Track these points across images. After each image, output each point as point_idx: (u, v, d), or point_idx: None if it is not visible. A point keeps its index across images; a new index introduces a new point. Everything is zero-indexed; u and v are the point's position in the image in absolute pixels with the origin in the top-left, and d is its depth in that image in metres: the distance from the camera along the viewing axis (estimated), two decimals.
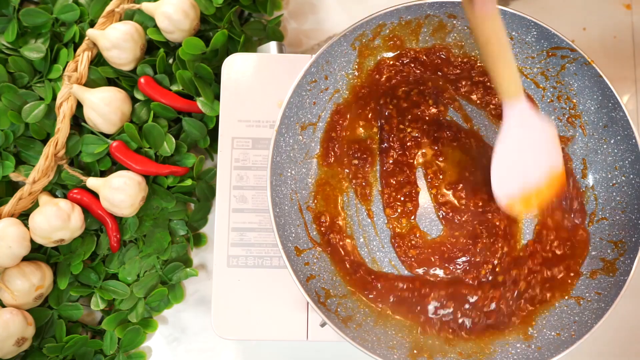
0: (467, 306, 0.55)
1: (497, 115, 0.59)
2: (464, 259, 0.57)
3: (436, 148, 0.58)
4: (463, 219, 0.57)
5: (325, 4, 0.69)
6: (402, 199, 0.58)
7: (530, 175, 0.53)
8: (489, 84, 0.58)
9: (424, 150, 0.58)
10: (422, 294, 0.56)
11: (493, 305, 0.55)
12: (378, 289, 0.56)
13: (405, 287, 0.56)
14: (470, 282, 0.56)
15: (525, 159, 0.53)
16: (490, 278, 0.56)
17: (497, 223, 0.57)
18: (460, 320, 0.55)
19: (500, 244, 0.57)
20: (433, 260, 0.57)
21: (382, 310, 0.55)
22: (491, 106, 0.59)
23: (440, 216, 0.58)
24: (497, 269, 0.56)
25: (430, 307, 0.55)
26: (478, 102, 0.59)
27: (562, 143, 0.58)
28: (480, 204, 0.57)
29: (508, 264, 0.56)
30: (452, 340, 0.54)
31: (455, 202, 0.57)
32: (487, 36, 0.47)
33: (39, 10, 0.62)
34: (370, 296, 0.55)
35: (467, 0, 0.46)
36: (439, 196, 0.58)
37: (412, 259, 0.57)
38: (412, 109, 0.58)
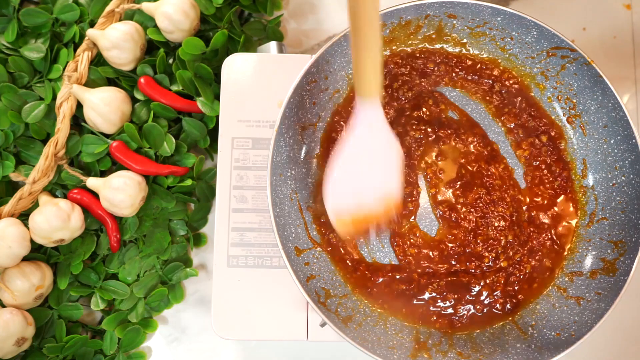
0: (468, 296, 0.56)
1: (498, 115, 0.59)
2: (463, 254, 0.57)
3: (436, 148, 0.58)
4: (461, 215, 0.57)
5: (325, 4, 0.69)
6: (403, 199, 0.58)
7: (365, 194, 0.48)
8: (488, 83, 0.59)
9: (422, 149, 0.58)
10: (421, 285, 0.56)
11: (497, 293, 0.56)
12: (378, 285, 0.56)
13: (404, 277, 0.56)
14: (472, 270, 0.56)
15: (363, 174, 0.47)
16: (492, 265, 0.56)
17: (502, 213, 0.57)
18: (461, 311, 0.55)
19: (504, 232, 0.57)
20: (432, 257, 0.57)
21: (382, 311, 0.55)
22: (492, 105, 0.59)
23: (438, 215, 0.58)
24: (500, 257, 0.56)
25: (430, 299, 0.55)
26: (479, 101, 0.59)
27: (562, 142, 0.58)
28: (480, 197, 0.57)
29: (512, 249, 0.56)
30: (451, 333, 0.55)
31: (453, 200, 0.57)
32: (359, 18, 0.41)
33: (39, 10, 0.62)
34: (370, 293, 0.55)
35: None
36: (437, 195, 0.58)
37: (412, 258, 0.57)
38: (412, 110, 0.58)
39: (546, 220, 0.57)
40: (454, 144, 0.58)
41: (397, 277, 0.56)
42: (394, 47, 0.58)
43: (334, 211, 0.48)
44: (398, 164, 0.47)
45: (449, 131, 0.58)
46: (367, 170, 0.47)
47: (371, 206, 0.48)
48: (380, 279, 0.56)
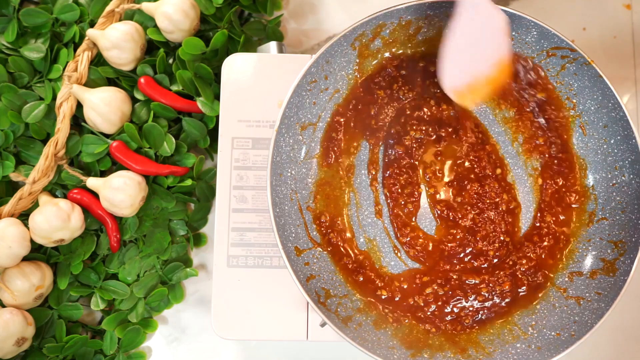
0: (469, 299, 0.56)
1: (499, 118, 0.59)
2: (463, 253, 0.57)
3: (437, 147, 0.58)
4: (459, 214, 0.57)
5: (325, 4, 0.69)
6: (403, 200, 0.58)
7: (479, 65, 0.52)
8: None
9: (423, 149, 0.58)
10: (420, 286, 0.56)
11: (497, 294, 0.56)
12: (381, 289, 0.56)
13: (403, 281, 0.56)
14: (476, 264, 0.56)
15: (474, 48, 0.52)
16: (494, 261, 0.56)
17: (497, 207, 0.57)
18: (462, 313, 0.55)
19: (501, 229, 0.57)
20: (433, 258, 0.57)
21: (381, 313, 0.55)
22: (492, 103, 0.59)
23: (436, 214, 0.58)
24: (497, 253, 0.56)
25: (432, 305, 0.55)
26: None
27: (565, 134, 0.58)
28: (477, 195, 0.57)
29: (510, 245, 0.57)
30: (452, 333, 0.55)
31: (452, 199, 0.58)
32: None
33: (39, 10, 0.62)
34: (369, 295, 0.55)
35: None
36: (436, 195, 0.58)
37: (412, 257, 0.57)
38: (413, 110, 0.58)
39: (546, 220, 0.57)
40: (454, 142, 0.58)
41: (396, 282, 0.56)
42: (394, 50, 0.58)
43: (451, 87, 0.53)
44: (505, 30, 0.52)
45: (449, 129, 0.58)
46: (477, 45, 0.52)
47: (486, 74, 0.52)
48: (385, 295, 0.56)
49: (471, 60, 0.52)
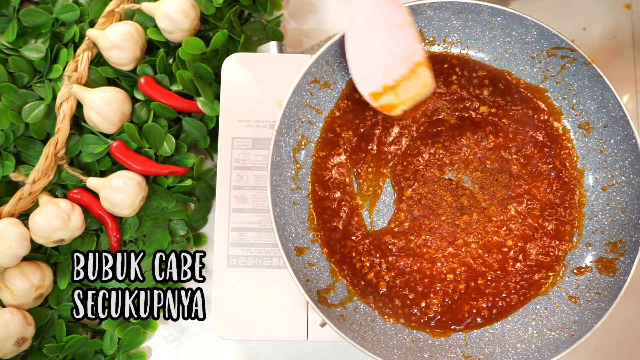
0: (468, 298, 0.56)
1: (498, 116, 0.59)
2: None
3: (438, 146, 0.58)
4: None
5: (325, 4, 0.69)
6: (403, 201, 0.58)
7: (389, 64, 0.48)
8: (487, 83, 0.59)
9: (420, 149, 0.58)
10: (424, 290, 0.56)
11: (496, 294, 0.56)
12: (379, 293, 0.56)
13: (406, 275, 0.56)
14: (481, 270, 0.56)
15: (379, 46, 0.47)
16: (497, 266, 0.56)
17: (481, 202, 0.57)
18: (461, 312, 0.55)
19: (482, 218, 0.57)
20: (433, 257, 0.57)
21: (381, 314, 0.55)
22: (491, 108, 0.59)
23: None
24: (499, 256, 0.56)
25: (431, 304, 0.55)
26: (477, 103, 0.59)
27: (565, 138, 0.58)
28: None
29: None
30: (452, 333, 0.55)
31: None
32: None
33: (39, 10, 0.62)
34: (373, 302, 0.55)
35: None
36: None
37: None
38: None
39: (546, 220, 0.57)
40: (451, 138, 0.58)
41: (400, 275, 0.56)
42: None
43: (364, 88, 0.48)
44: (410, 27, 0.47)
45: (442, 128, 0.58)
46: (384, 39, 0.47)
47: (399, 70, 0.48)
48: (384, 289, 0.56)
49: (379, 58, 0.47)
